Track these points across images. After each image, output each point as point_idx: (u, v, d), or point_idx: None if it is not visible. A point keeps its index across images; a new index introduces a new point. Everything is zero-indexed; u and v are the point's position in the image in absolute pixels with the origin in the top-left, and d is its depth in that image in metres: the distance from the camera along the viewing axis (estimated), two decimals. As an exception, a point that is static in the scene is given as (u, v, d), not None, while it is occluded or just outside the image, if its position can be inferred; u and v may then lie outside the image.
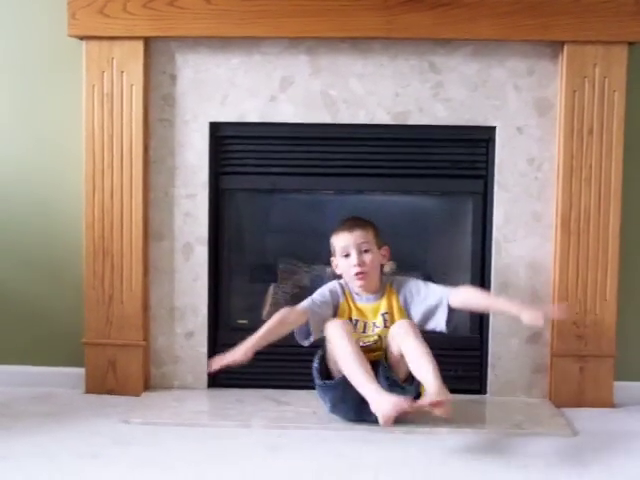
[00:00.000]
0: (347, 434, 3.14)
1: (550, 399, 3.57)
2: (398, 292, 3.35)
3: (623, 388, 3.59)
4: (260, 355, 3.54)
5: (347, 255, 3.32)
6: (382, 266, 3.41)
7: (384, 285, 3.37)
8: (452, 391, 3.49)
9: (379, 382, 3.10)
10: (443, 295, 3.27)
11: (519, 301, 3.25)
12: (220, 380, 3.66)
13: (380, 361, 3.21)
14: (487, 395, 3.63)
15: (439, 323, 3.28)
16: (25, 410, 3.40)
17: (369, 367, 3.11)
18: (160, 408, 3.42)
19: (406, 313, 3.32)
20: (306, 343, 3.30)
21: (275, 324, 3.23)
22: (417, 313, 3.31)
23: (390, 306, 3.33)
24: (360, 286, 3.32)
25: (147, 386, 3.65)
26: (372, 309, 3.33)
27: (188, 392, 3.61)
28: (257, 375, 3.66)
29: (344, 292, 3.37)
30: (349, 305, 3.35)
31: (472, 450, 3.02)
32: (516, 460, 2.93)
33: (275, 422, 3.24)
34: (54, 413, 3.37)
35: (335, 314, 3.34)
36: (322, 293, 3.38)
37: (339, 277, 3.42)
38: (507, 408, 3.48)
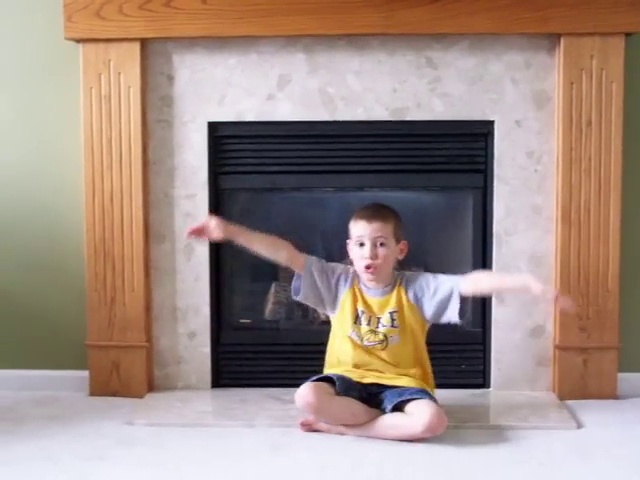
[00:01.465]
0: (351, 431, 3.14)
1: (554, 392, 3.57)
2: (407, 288, 3.26)
3: (627, 380, 3.59)
4: (264, 354, 3.56)
5: (361, 244, 3.22)
6: (397, 260, 3.31)
7: (395, 280, 3.28)
8: (456, 386, 3.51)
9: (384, 407, 3.11)
10: (453, 285, 3.20)
11: (526, 274, 3.24)
12: (223, 380, 3.67)
13: (385, 391, 3.17)
14: (491, 389, 3.63)
15: (452, 314, 3.20)
16: (29, 414, 3.41)
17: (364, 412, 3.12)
18: (164, 409, 3.42)
19: (417, 309, 3.24)
20: (295, 297, 3.29)
21: (269, 242, 3.25)
22: (429, 308, 3.23)
23: (399, 303, 3.24)
24: (367, 280, 3.25)
25: (151, 387, 3.65)
26: (379, 303, 3.25)
27: (192, 393, 3.61)
28: (261, 374, 3.66)
29: (353, 280, 3.29)
30: (356, 295, 3.27)
31: (476, 444, 3.02)
32: (520, 453, 2.93)
33: (279, 421, 3.24)
34: (58, 416, 3.37)
35: (334, 297, 3.28)
36: (334, 267, 3.31)
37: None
38: (511, 402, 3.48)
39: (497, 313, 3.59)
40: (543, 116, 3.51)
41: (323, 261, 3.32)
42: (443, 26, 3.43)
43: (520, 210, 3.54)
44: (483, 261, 3.60)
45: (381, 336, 3.22)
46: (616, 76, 3.43)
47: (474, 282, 3.22)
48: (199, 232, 3.22)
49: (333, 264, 3.34)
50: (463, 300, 3.21)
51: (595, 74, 3.43)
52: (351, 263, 3.32)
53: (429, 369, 3.28)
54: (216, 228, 3.19)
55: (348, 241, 3.31)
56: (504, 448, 2.99)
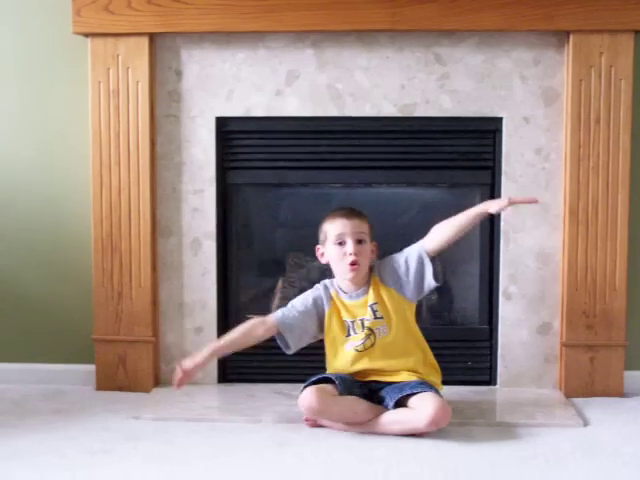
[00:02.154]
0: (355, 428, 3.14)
1: (560, 389, 3.57)
2: (381, 276, 3.22)
3: (633, 377, 3.59)
4: (270, 350, 3.55)
5: (341, 243, 3.19)
6: (372, 260, 3.27)
7: (370, 277, 3.24)
8: (462, 382, 3.51)
9: (386, 404, 3.11)
10: (420, 251, 3.17)
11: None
12: (230, 375, 3.68)
13: (385, 387, 3.18)
14: (497, 386, 3.63)
15: (429, 280, 3.17)
16: (36, 407, 3.41)
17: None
18: (170, 404, 3.42)
19: (397, 292, 3.20)
20: (288, 352, 3.25)
21: (240, 335, 3.21)
22: (408, 286, 3.20)
23: (378, 295, 3.21)
24: (351, 278, 3.20)
25: (157, 382, 3.66)
26: (361, 304, 3.22)
27: (198, 387, 3.61)
28: (267, 370, 3.67)
29: (330, 296, 3.27)
30: (337, 307, 3.24)
31: (483, 441, 3.02)
32: (527, 451, 2.92)
33: (285, 416, 3.24)
34: (65, 410, 3.37)
35: (321, 324, 3.26)
36: (305, 302, 3.28)
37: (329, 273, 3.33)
38: (517, 399, 3.48)
39: (504, 310, 3.58)
40: (551, 113, 3.51)
41: (290, 306, 3.29)
42: (452, 22, 3.42)
43: (528, 207, 3.52)
44: (490, 258, 3.60)
45: (367, 331, 3.19)
46: (625, 73, 3.42)
47: (436, 237, 3.17)
48: (183, 380, 3.17)
49: (300, 299, 3.30)
50: (434, 260, 3.17)
51: (604, 71, 3.43)
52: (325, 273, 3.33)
53: (429, 353, 3.27)
54: (194, 369, 3.17)
55: (318, 247, 3.29)
56: (510, 445, 2.98)
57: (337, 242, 3.20)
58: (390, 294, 3.22)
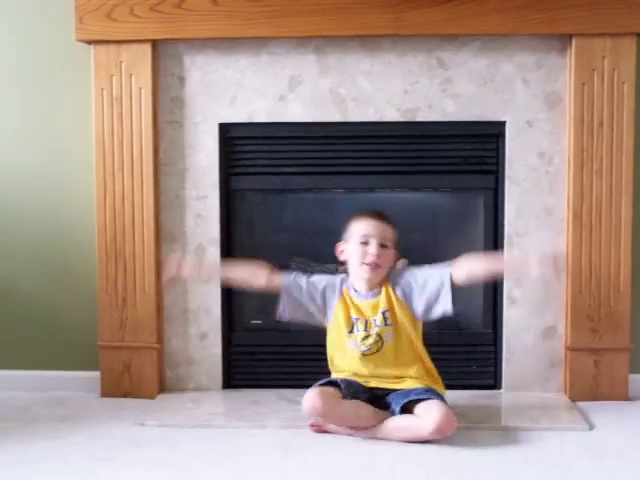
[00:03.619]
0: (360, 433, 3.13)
1: (565, 393, 3.56)
2: (394, 286, 3.24)
3: (638, 381, 3.58)
4: (275, 355, 3.56)
5: (364, 243, 3.20)
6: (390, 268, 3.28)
7: (382, 284, 3.25)
8: (467, 387, 3.50)
9: (392, 409, 3.11)
10: (444, 275, 3.17)
11: (522, 256, 3.20)
12: (235, 381, 3.68)
13: (391, 393, 3.18)
14: (502, 390, 3.62)
15: (445, 306, 3.17)
16: (41, 414, 3.42)
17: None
18: (175, 410, 3.42)
19: (407, 306, 3.22)
20: (282, 317, 3.29)
21: (245, 270, 3.25)
22: (419, 304, 3.21)
23: (389, 302, 3.22)
24: (367, 278, 3.21)
25: (162, 388, 3.66)
26: (371, 306, 3.23)
27: (203, 394, 3.61)
28: (272, 375, 3.67)
29: (342, 290, 3.28)
30: (347, 303, 3.26)
31: (488, 445, 3.01)
32: (532, 455, 2.92)
33: (290, 422, 3.23)
34: (70, 417, 3.38)
35: (320, 310, 3.28)
36: (317, 282, 3.30)
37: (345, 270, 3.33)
38: (522, 403, 3.47)
39: (508, 314, 3.58)
40: (554, 117, 3.51)
41: (304, 277, 3.31)
42: (454, 27, 3.43)
43: (531, 211, 3.53)
44: (494, 262, 3.61)
45: (375, 336, 3.20)
46: (628, 76, 3.42)
47: (468, 268, 3.16)
48: (174, 270, 3.21)
49: (316, 277, 3.33)
50: (455, 290, 3.17)
51: (607, 75, 3.43)
52: (341, 268, 3.33)
53: (431, 365, 3.26)
54: (190, 266, 3.21)
55: (339, 243, 3.30)
56: (515, 449, 2.98)
57: (361, 241, 3.21)
58: (400, 304, 3.23)
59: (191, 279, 3.26)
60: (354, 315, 3.24)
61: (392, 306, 3.22)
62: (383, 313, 3.21)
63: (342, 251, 3.29)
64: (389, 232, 3.23)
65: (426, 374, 3.23)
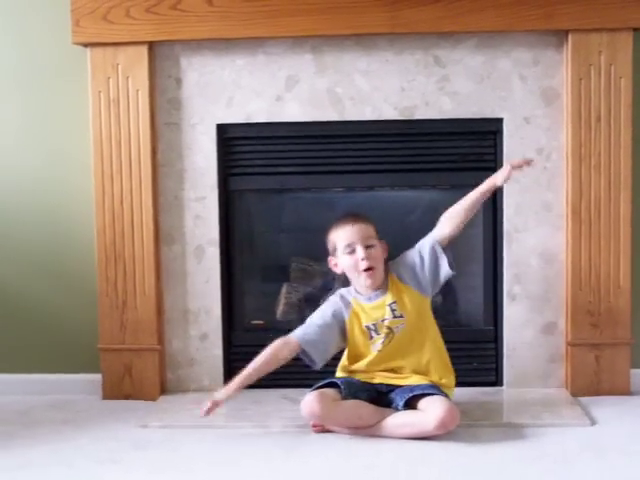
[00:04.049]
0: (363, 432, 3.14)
1: (567, 389, 3.56)
2: (399, 275, 3.23)
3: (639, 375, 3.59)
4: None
5: (352, 252, 3.19)
6: (385, 260, 3.27)
7: (386, 277, 3.25)
8: (468, 384, 3.50)
9: (396, 404, 3.11)
10: (432, 243, 3.20)
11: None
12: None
13: (395, 389, 3.18)
14: (503, 387, 3.63)
15: (445, 270, 3.19)
16: (43, 418, 3.41)
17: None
18: (177, 411, 3.42)
19: (415, 289, 3.21)
20: (315, 367, 3.22)
21: (265, 361, 3.17)
22: (426, 280, 3.21)
23: (396, 293, 3.21)
24: (369, 284, 3.21)
25: (163, 390, 3.66)
26: (380, 305, 3.22)
27: (205, 394, 3.58)
28: (273, 376, 3.64)
29: (349, 303, 3.26)
30: (357, 314, 3.24)
31: (490, 442, 3.01)
32: (534, 451, 2.92)
33: (292, 422, 3.23)
34: (72, 420, 3.38)
35: (343, 334, 3.25)
36: (324, 315, 3.27)
37: (345, 282, 3.31)
38: (524, 399, 3.47)
39: (509, 311, 3.58)
40: (552, 113, 3.51)
41: (311, 322, 3.27)
42: (450, 24, 3.43)
43: (530, 207, 3.54)
44: (494, 258, 3.61)
45: (386, 330, 3.20)
46: (625, 71, 3.43)
47: (447, 224, 3.20)
48: (211, 410, 3.15)
49: (319, 312, 3.29)
50: (447, 250, 3.20)
51: (604, 70, 3.43)
52: (340, 281, 3.32)
53: (444, 353, 3.27)
54: (223, 400, 3.17)
55: (330, 258, 3.29)
56: (518, 446, 2.98)
57: (347, 252, 3.21)
58: (409, 292, 3.22)
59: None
60: (366, 322, 3.22)
61: (400, 296, 3.21)
62: (390, 305, 3.20)
63: (335, 264, 3.28)
64: (369, 230, 3.21)
65: (440, 362, 3.23)
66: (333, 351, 3.27)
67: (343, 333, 3.26)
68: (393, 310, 3.20)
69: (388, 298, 3.21)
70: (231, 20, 3.45)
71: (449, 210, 3.23)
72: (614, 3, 3.38)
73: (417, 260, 3.23)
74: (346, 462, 2.88)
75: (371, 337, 3.22)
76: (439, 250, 3.20)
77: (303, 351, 3.20)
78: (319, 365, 3.22)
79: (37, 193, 3.72)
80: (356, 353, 3.26)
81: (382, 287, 3.24)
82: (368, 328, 3.22)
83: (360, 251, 3.18)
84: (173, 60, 3.56)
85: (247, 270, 3.76)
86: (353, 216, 3.25)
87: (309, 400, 3.07)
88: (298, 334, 3.22)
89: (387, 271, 3.26)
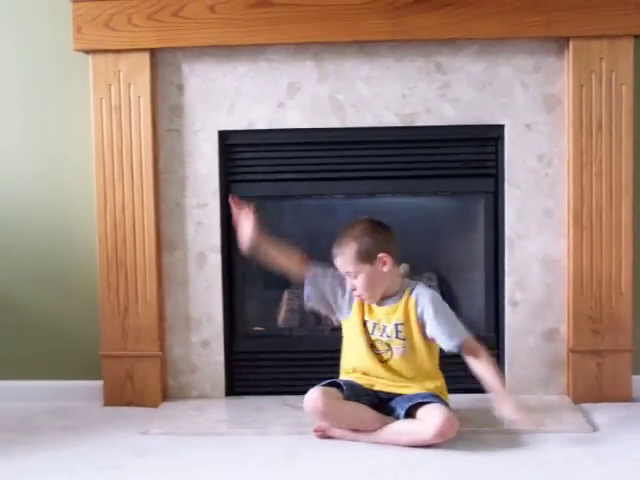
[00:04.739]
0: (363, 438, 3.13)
1: (568, 395, 3.56)
2: (417, 302, 3.21)
3: (642, 382, 3.59)
4: (278, 362, 3.56)
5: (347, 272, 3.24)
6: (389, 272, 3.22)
7: (404, 289, 3.24)
8: (469, 390, 3.49)
9: (397, 414, 3.12)
10: (448, 345, 3.16)
11: (506, 390, 3.18)
12: (238, 388, 3.68)
13: (395, 397, 3.18)
14: (505, 393, 3.62)
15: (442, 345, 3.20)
16: (44, 424, 3.41)
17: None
18: (179, 418, 3.42)
19: (421, 327, 3.20)
20: (307, 303, 3.32)
21: (287, 254, 3.28)
22: (430, 332, 3.19)
23: (406, 316, 3.20)
24: (367, 303, 3.25)
25: (165, 396, 3.65)
26: (386, 312, 3.22)
27: (206, 401, 3.61)
28: (275, 382, 3.67)
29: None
30: (362, 307, 3.25)
31: (491, 449, 3.01)
32: (536, 457, 2.92)
33: (294, 428, 3.23)
34: (73, 427, 3.37)
35: (340, 305, 3.29)
36: (341, 278, 3.28)
37: None
38: (525, 405, 3.46)
39: (510, 317, 3.58)
40: (553, 119, 3.51)
41: (331, 270, 3.29)
42: (451, 31, 3.43)
43: (532, 214, 3.53)
44: (495, 265, 3.60)
45: (385, 345, 3.22)
46: (626, 78, 3.43)
47: (469, 359, 3.18)
48: (239, 205, 3.28)
49: (342, 277, 3.30)
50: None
51: (605, 76, 3.43)
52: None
53: (440, 382, 3.27)
54: (251, 224, 3.26)
55: None
56: (519, 452, 2.98)
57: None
58: (417, 321, 3.21)
59: (251, 237, 3.24)
60: (367, 317, 3.24)
61: (408, 321, 3.21)
62: (396, 325, 3.20)
63: None
64: (345, 261, 3.20)
65: (434, 389, 3.21)
66: (325, 307, 3.32)
67: (342, 303, 3.29)
68: (398, 332, 3.21)
69: (398, 313, 3.21)
70: (233, 27, 3.46)
71: (485, 363, 3.17)
72: (615, 10, 3.38)
73: (433, 324, 3.16)
74: (348, 468, 2.88)
75: (365, 330, 3.23)
76: (448, 349, 3.17)
77: (307, 283, 3.30)
78: (311, 303, 3.32)
79: (39, 200, 3.72)
80: (352, 337, 3.27)
81: (394, 296, 3.24)
82: (368, 322, 3.24)
83: (349, 281, 3.24)
84: (175, 67, 3.57)
85: (249, 276, 3.76)
86: (336, 247, 3.23)
87: (313, 396, 3.08)
88: (315, 269, 3.30)
89: (408, 285, 3.25)
